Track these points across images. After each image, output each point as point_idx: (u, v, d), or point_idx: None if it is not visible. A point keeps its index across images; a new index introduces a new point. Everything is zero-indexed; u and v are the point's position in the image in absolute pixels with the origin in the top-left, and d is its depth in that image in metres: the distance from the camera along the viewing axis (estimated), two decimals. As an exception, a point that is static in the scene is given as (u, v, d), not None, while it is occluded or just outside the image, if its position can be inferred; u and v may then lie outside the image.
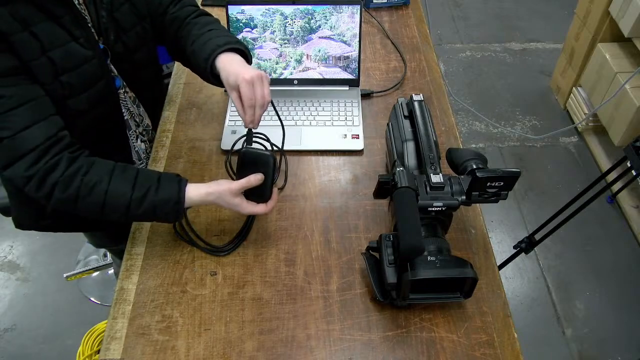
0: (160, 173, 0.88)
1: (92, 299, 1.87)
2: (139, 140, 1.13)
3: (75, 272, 1.85)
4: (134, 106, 1.09)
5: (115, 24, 0.95)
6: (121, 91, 1.03)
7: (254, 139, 0.97)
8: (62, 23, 0.84)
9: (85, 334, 1.66)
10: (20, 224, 1.11)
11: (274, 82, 1.23)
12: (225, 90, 1.23)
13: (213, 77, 0.94)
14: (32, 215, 1.08)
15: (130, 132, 1.09)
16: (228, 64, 0.89)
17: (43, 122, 0.81)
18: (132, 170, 0.87)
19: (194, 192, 0.87)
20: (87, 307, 1.85)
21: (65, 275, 1.82)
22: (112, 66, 0.98)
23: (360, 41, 1.19)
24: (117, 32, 0.96)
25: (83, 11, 0.89)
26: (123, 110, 1.04)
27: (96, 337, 1.65)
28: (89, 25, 0.90)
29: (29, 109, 0.80)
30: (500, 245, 2.02)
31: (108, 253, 1.89)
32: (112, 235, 1.35)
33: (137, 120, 1.11)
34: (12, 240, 2.04)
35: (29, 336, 1.78)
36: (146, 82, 1.11)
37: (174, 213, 0.86)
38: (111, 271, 1.93)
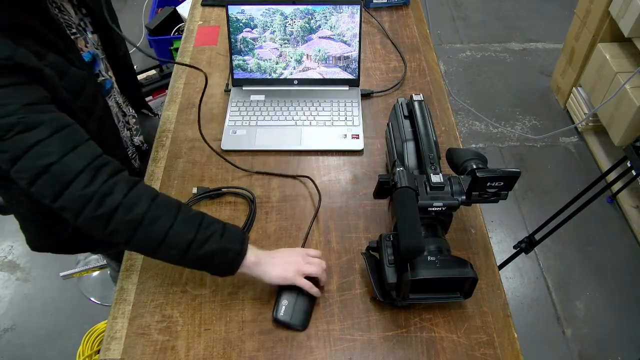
0: (225, 222, 0.84)
1: (92, 299, 1.87)
2: (125, 129, 1.15)
3: (71, 271, 1.84)
4: (121, 96, 1.12)
5: (88, 10, 0.98)
6: (114, 89, 1.05)
7: None
8: (59, 50, 0.82)
9: (85, 334, 1.66)
10: (36, 247, 1.11)
11: (274, 82, 1.23)
12: (226, 90, 1.25)
13: None
14: (51, 243, 1.09)
15: (119, 125, 1.10)
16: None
17: (83, 146, 0.77)
18: (198, 212, 0.84)
19: (254, 250, 0.84)
20: (87, 307, 1.84)
21: (61, 274, 1.82)
22: (102, 71, 1.00)
23: (360, 41, 1.19)
24: (92, 14, 0.99)
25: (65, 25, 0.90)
26: (114, 109, 1.06)
27: (96, 337, 1.65)
28: (77, 45, 0.91)
29: (67, 134, 0.77)
30: (500, 245, 2.02)
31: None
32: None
33: (124, 110, 1.15)
34: (12, 240, 2.04)
35: (29, 336, 1.78)
36: (124, 51, 1.12)
37: (230, 264, 0.82)
38: (111, 271, 1.93)
